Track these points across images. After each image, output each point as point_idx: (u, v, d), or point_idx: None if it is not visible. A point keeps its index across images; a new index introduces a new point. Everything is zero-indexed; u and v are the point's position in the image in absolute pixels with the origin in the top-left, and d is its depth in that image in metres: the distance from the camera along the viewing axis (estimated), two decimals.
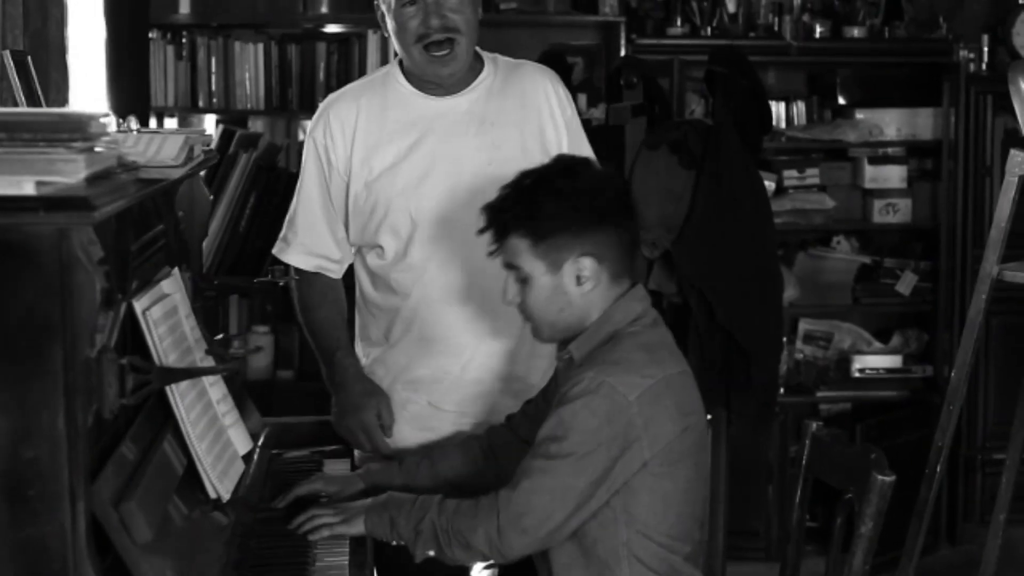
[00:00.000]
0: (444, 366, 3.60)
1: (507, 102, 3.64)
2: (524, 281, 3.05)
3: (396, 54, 3.64)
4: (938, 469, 4.30)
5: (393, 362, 3.65)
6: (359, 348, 3.74)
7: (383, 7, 3.55)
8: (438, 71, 3.53)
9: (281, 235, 3.76)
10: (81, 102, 4.66)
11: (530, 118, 3.65)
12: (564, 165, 3.12)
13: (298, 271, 3.74)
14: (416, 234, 3.54)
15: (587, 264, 3.00)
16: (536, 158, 3.43)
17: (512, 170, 3.21)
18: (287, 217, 3.75)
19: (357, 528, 3.02)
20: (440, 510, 2.96)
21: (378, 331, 3.68)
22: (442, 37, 3.48)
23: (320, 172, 3.66)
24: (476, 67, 3.65)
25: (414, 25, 3.48)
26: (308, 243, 3.70)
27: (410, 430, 3.65)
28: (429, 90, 3.61)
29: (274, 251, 3.78)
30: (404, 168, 3.55)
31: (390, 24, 3.55)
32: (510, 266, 3.06)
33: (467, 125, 3.59)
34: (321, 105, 3.72)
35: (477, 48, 3.65)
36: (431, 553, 3.00)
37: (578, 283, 3.01)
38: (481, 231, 3.09)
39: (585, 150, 3.67)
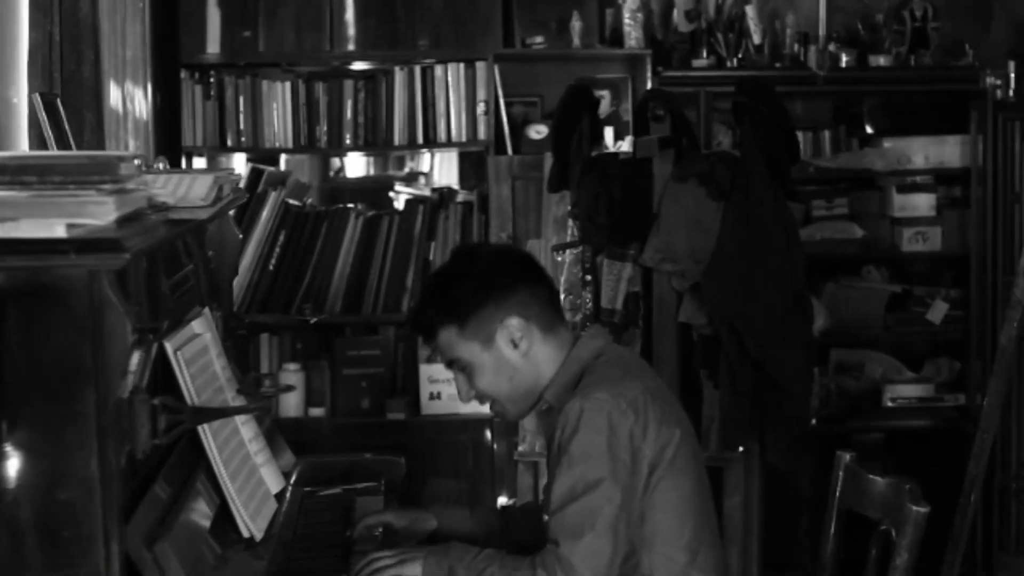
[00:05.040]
0: None
1: None
2: (468, 370, 3.12)
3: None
4: (972, 498, 4.28)
5: None
6: None
7: None
8: None
9: None
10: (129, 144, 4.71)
11: None
12: (461, 251, 3.25)
13: None
14: None
15: (515, 324, 3.08)
16: None
17: None
18: None
19: (414, 571, 3.01)
20: (502, 564, 2.95)
21: None
22: None
23: None
24: None
25: None
26: None
27: None
28: None
29: None
30: None
31: None
32: (451, 363, 3.15)
33: None
34: None
35: None
36: None
37: (514, 346, 3.09)
38: (410, 338, 3.20)
39: None
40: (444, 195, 6.11)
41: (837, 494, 3.36)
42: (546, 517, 3.04)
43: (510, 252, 3.25)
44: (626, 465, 2.94)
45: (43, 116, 3.44)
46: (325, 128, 5.99)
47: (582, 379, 3.07)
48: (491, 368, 3.10)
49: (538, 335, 3.11)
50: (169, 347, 2.69)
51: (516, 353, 3.09)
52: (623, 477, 2.93)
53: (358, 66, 6.07)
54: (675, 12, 6.23)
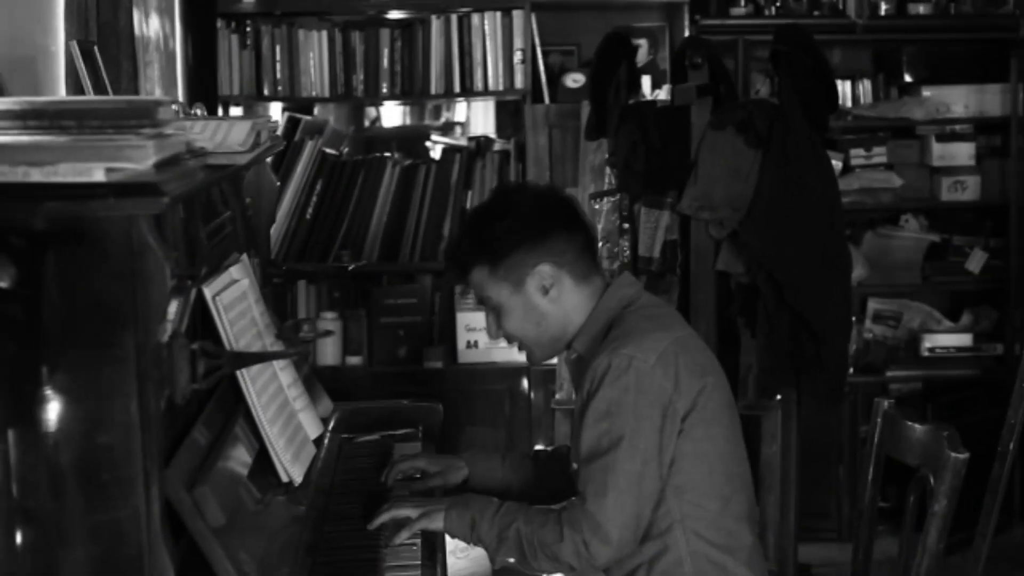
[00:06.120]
0: None
1: None
2: (497, 310, 3.12)
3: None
4: (1011, 447, 4.27)
5: None
6: None
7: None
8: None
9: None
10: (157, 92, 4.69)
11: None
12: (502, 191, 3.22)
13: None
14: None
15: (547, 271, 3.08)
16: None
17: None
18: None
19: (436, 524, 3.03)
20: (527, 520, 2.96)
21: None
22: None
23: None
24: None
25: None
26: None
27: None
28: None
29: None
30: None
31: None
32: (481, 301, 3.16)
33: None
34: None
35: None
36: (511, 560, 3.01)
37: (544, 293, 3.09)
38: (446, 276, 3.20)
39: None
40: (481, 144, 6.11)
41: (876, 440, 3.35)
42: (574, 465, 3.05)
43: (550, 196, 3.21)
44: (653, 422, 2.93)
45: (80, 64, 3.44)
46: (361, 77, 5.99)
47: (611, 330, 3.06)
48: (519, 312, 3.10)
49: (569, 283, 3.10)
50: (208, 292, 2.69)
51: (545, 300, 3.09)
52: (648, 434, 2.93)
53: (394, 15, 6.06)
54: None
